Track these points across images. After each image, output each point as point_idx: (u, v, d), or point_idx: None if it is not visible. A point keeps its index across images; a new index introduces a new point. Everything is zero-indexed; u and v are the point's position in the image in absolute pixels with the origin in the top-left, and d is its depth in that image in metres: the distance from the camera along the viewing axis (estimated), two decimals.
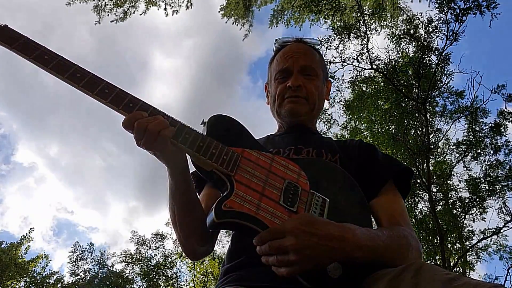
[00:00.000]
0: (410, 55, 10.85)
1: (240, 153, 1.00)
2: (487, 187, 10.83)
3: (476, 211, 11.14)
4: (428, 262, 10.70)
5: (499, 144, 10.77)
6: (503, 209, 10.64)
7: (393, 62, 10.83)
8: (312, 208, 0.96)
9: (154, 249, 18.51)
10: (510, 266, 10.62)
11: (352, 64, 10.97)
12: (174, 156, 0.97)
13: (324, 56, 11.21)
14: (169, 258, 18.22)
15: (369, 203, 1.11)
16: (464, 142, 11.09)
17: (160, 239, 18.56)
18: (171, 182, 1.02)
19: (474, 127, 10.90)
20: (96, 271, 18.32)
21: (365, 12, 10.93)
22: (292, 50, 1.37)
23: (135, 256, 18.35)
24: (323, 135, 1.43)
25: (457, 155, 11.51)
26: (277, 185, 0.97)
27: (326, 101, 1.46)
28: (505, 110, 10.59)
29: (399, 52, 10.97)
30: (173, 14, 11.54)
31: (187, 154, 0.99)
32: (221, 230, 1.17)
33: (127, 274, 18.21)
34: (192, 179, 1.11)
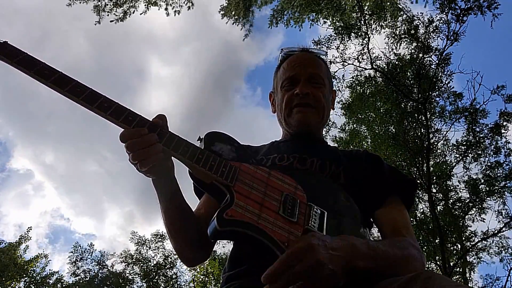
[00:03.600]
0: (408, 57, 10.86)
1: (238, 166, 1.02)
2: (486, 188, 10.84)
3: (476, 212, 11.15)
4: (428, 262, 10.72)
5: (499, 145, 10.78)
6: (502, 210, 10.66)
7: (394, 62, 10.82)
8: (311, 219, 0.97)
9: (154, 250, 18.52)
10: (511, 268, 10.60)
11: (352, 64, 10.98)
12: (165, 171, 1.01)
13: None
14: (169, 258, 18.22)
15: (373, 214, 1.13)
16: (464, 143, 11.10)
17: (160, 239, 18.57)
18: (165, 195, 1.05)
19: (474, 127, 10.90)
20: (96, 272, 18.32)
21: (365, 12, 10.92)
22: (299, 58, 1.37)
23: (135, 256, 18.35)
24: (328, 144, 1.43)
25: (457, 155, 11.53)
26: (275, 197, 0.98)
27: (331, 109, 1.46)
28: (505, 110, 10.60)
29: (397, 55, 10.97)
30: (175, 15, 11.53)
31: (186, 166, 1.00)
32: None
33: (127, 275, 18.20)
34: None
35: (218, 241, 1.23)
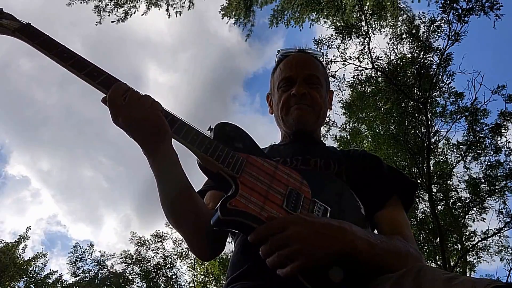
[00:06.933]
0: (409, 56, 10.88)
1: (245, 158, 1.02)
2: (487, 188, 10.84)
3: (476, 212, 11.16)
4: (429, 262, 10.72)
5: (499, 145, 10.79)
6: (503, 210, 10.66)
7: (394, 62, 10.83)
8: (314, 214, 0.98)
9: (153, 250, 18.51)
10: (511, 268, 10.60)
11: (353, 63, 10.99)
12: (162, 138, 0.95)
13: (325, 55, 11.33)
14: (169, 258, 18.22)
15: (373, 216, 1.13)
16: (465, 143, 11.10)
17: (160, 239, 18.57)
18: (164, 169, 0.97)
19: (474, 127, 10.91)
20: (95, 272, 18.31)
21: (366, 11, 10.94)
22: (295, 59, 1.37)
23: (135, 256, 18.35)
24: (327, 145, 1.43)
25: (458, 155, 11.53)
26: (280, 191, 0.99)
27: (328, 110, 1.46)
28: (506, 110, 10.61)
29: (398, 54, 10.98)
30: (176, 16, 11.54)
31: (194, 155, 1.00)
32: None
33: (127, 275, 18.20)
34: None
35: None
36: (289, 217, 0.87)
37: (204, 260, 1.19)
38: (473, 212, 11.23)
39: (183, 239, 1.13)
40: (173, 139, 0.97)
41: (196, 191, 1.14)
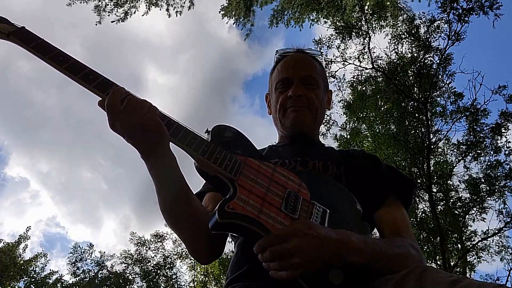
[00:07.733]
0: (409, 55, 10.88)
1: (243, 160, 1.02)
2: (487, 188, 10.85)
3: (476, 212, 11.17)
4: (429, 262, 10.72)
5: (499, 144, 10.79)
6: (503, 210, 10.67)
7: (394, 62, 10.83)
8: (313, 217, 0.97)
9: (153, 250, 18.52)
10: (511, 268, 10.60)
11: (353, 63, 10.99)
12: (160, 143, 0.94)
13: (325, 55, 11.37)
14: (169, 258, 18.23)
15: (373, 215, 1.13)
16: (465, 142, 11.11)
17: (160, 239, 18.57)
18: (163, 173, 0.97)
19: (474, 127, 10.91)
20: (95, 272, 18.31)
21: (366, 11, 10.95)
22: (293, 60, 1.37)
23: (135, 256, 18.36)
24: (325, 145, 1.43)
25: (458, 155, 11.53)
26: (278, 193, 0.99)
27: (327, 110, 1.46)
28: (506, 110, 10.61)
29: (398, 54, 10.98)
30: (176, 15, 11.55)
31: (192, 158, 1.00)
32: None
33: (127, 275, 18.21)
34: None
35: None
36: (290, 229, 0.86)
37: (203, 263, 1.18)
38: (473, 212, 11.24)
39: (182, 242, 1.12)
40: (170, 142, 0.96)
41: (195, 193, 1.14)
